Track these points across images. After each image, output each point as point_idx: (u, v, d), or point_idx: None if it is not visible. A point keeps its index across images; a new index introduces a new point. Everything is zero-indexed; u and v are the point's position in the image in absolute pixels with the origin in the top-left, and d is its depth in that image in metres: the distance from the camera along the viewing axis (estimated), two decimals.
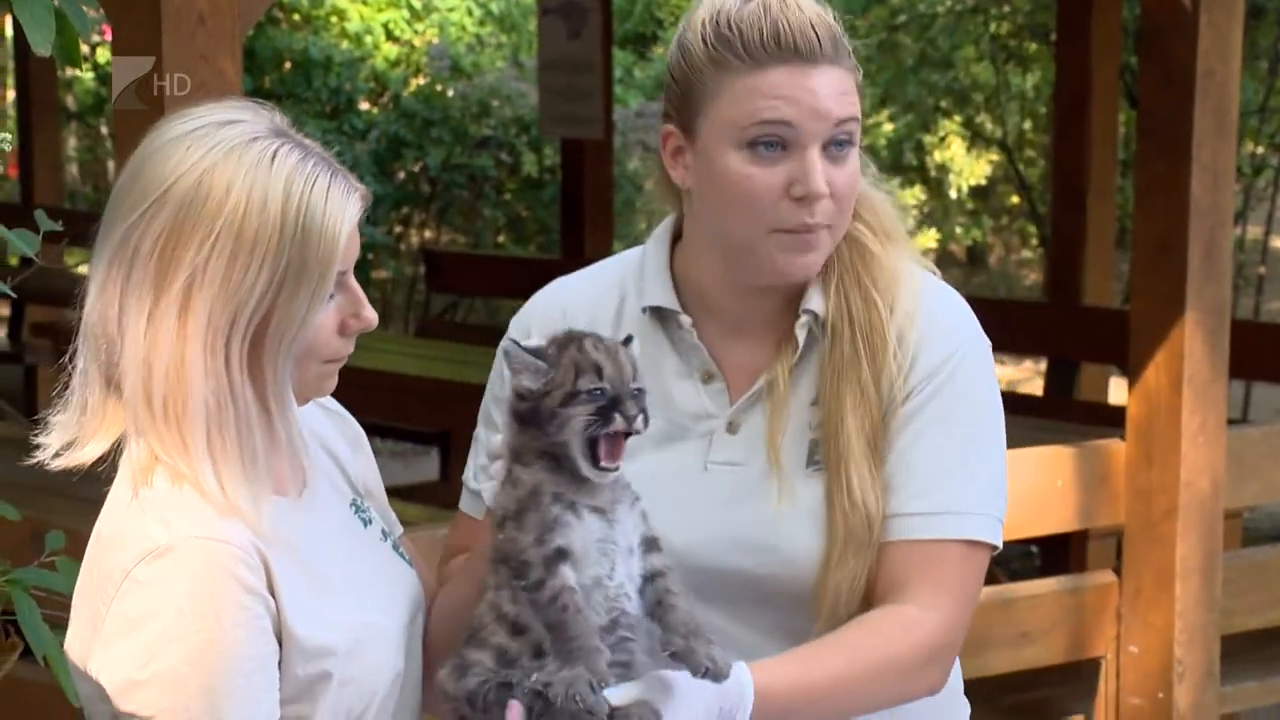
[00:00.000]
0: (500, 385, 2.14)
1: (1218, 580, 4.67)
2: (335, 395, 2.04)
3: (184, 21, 3.29)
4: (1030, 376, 9.58)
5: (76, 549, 2.05)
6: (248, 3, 3.42)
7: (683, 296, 2.18)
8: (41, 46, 1.90)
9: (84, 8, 2.00)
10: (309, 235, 1.82)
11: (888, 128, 12.77)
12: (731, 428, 2.16)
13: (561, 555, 1.91)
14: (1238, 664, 4.90)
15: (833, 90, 2.07)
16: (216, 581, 1.79)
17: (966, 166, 13.27)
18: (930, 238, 13.05)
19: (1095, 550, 5.11)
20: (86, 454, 1.89)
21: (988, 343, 2.20)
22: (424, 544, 2.43)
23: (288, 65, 12.35)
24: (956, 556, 2.11)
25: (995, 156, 13.25)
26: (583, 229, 8.27)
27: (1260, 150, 10.35)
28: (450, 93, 12.62)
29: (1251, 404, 9.45)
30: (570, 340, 1.97)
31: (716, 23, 2.08)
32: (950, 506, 2.10)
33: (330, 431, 2.10)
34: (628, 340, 2.00)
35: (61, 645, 1.83)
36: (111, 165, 12.88)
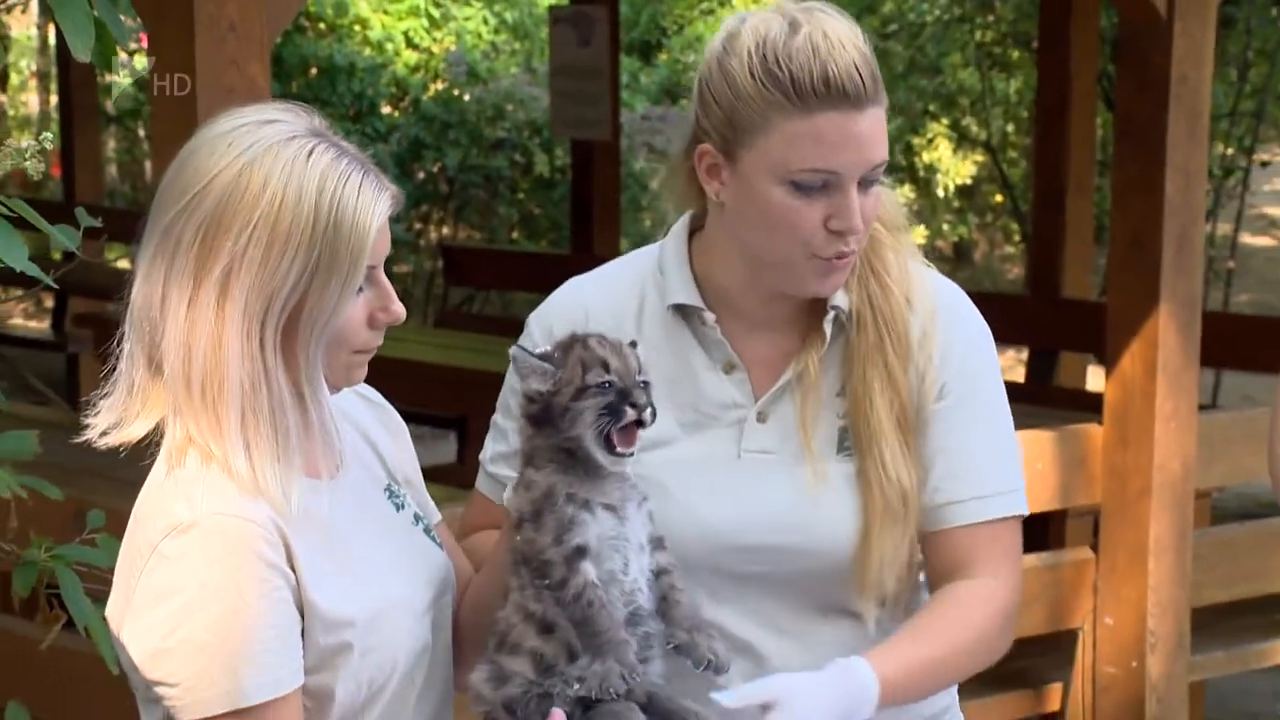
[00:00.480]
0: (512, 376, 2.12)
1: (1188, 556, 4.67)
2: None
3: (216, 29, 3.29)
4: (1012, 365, 9.58)
5: (116, 527, 2.05)
6: (276, 12, 3.42)
7: (704, 293, 2.16)
8: (81, 52, 1.90)
9: (121, 17, 2.00)
10: (340, 228, 1.82)
11: None
12: (761, 417, 2.14)
13: (581, 552, 1.89)
14: (1207, 635, 4.90)
15: (875, 133, 2.04)
16: (237, 556, 1.79)
17: (953, 167, 13.26)
18: (919, 234, 12.97)
19: (1073, 528, 5.11)
20: (131, 434, 1.88)
21: (989, 328, 2.22)
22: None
23: (314, 71, 12.34)
24: (1008, 530, 2.16)
25: (980, 157, 13.24)
26: (591, 226, 8.26)
27: (1230, 152, 10.32)
28: (467, 97, 12.62)
29: (1221, 390, 9.45)
30: (575, 341, 1.96)
31: (764, 56, 2.02)
32: (998, 488, 2.15)
33: (371, 421, 2.10)
34: (633, 344, 1.99)
35: (102, 618, 1.83)
36: (148, 165, 12.88)
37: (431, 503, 2.15)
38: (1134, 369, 4.56)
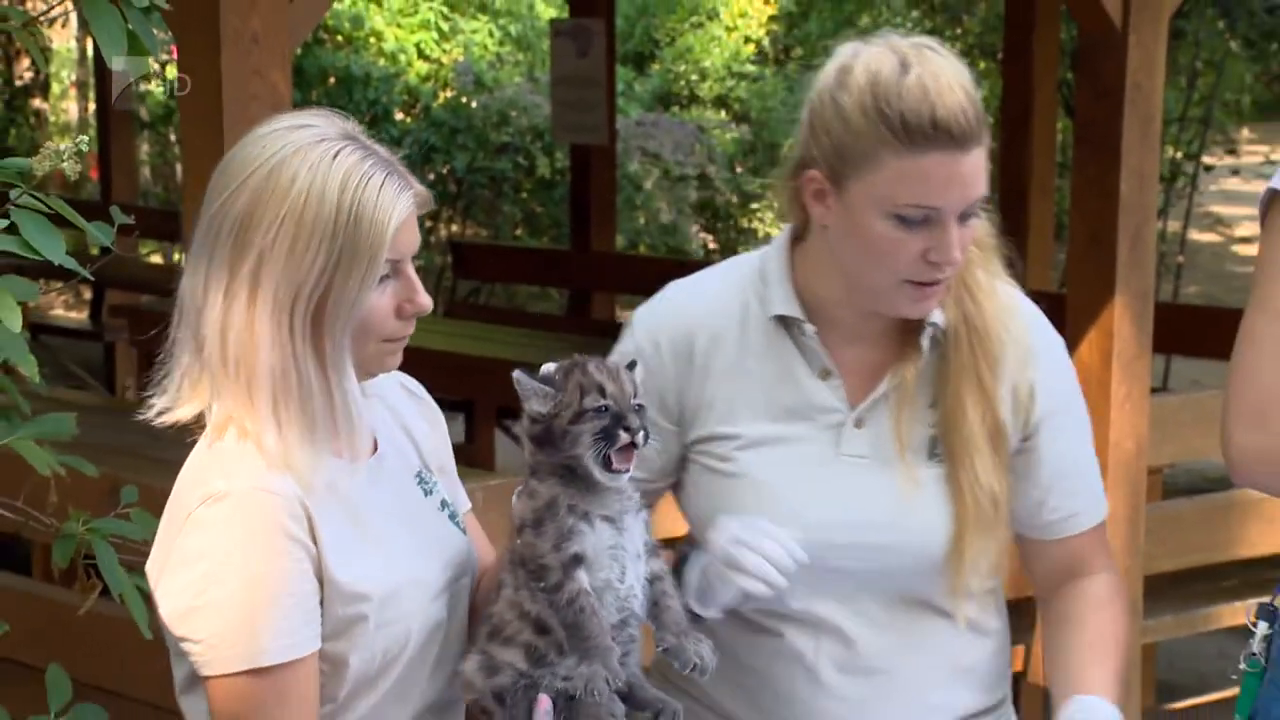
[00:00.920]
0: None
1: (1141, 529, 4.67)
2: None
3: (240, 41, 3.28)
4: None
5: (148, 502, 2.05)
6: (296, 25, 3.41)
7: (803, 303, 2.11)
8: (114, 60, 1.90)
9: (153, 30, 2.00)
10: (360, 223, 1.82)
11: None
12: (858, 423, 2.11)
13: (577, 561, 1.88)
14: (1158, 601, 4.90)
15: (977, 171, 2.00)
16: (262, 527, 1.80)
17: None
18: None
19: None
20: (182, 415, 1.89)
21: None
22: None
23: (332, 80, 12.33)
24: (1104, 526, 2.23)
25: None
26: (589, 223, 8.25)
27: (1180, 155, 10.33)
28: (474, 104, 12.60)
29: (1171, 375, 9.46)
30: (574, 365, 1.93)
31: (876, 94, 1.98)
32: (1098, 494, 2.22)
33: (411, 412, 2.09)
34: (631, 365, 1.96)
35: (135, 586, 1.83)
36: (179, 168, 12.86)
37: (463, 493, 2.14)
38: (1091, 355, 4.56)
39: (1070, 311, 4.62)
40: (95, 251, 7.01)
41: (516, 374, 1.93)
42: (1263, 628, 2.27)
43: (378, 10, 13.54)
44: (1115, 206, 4.48)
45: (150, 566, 1.87)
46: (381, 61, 12.97)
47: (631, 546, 1.92)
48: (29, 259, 1.75)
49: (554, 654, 1.88)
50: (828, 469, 2.10)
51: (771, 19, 13.79)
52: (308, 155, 1.83)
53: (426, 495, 2.03)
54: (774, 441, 2.10)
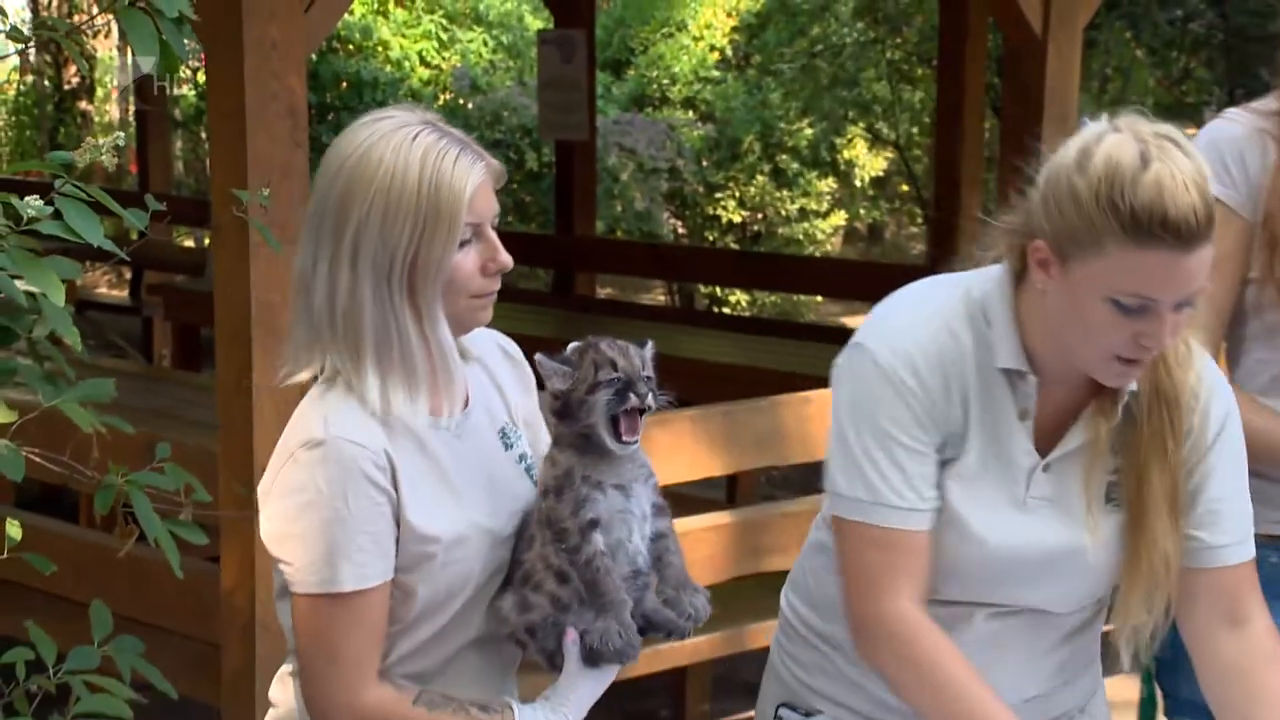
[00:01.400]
0: (892, 406, 1.97)
1: None
2: None
3: (260, 48, 3.27)
4: None
5: (180, 457, 2.04)
6: (310, 35, 3.40)
7: (1026, 353, 1.98)
8: (147, 65, 1.88)
9: (183, 39, 1.98)
10: (440, 191, 1.84)
11: (808, 132, 12.72)
12: (1047, 469, 2.00)
13: (593, 525, 1.90)
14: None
15: (1200, 269, 1.84)
16: (350, 474, 1.83)
17: (868, 162, 13.24)
18: (840, 217, 13.02)
19: None
20: (301, 376, 1.92)
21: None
22: None
23: (344, 85, 12.28)
24: (1253, 565, 2.08)
25: (890, 154, 13.23)
26: (572, 211, 8.25)
27: None
28: (470, 106, 12.57)
29: None
30: (589, 345, 1.94)
31: (1111, 185, 1.82)
32: (1251, 531, 2.07)
33: (506, 373, 2.08)
34: (642, 343, 1.96)
35: (167, 531, 1.83)
36: (208, 162, 12.80)
37: (545, 433, 2.09)
38: None
39: None
40: (134, 236, 6.99)
41: (539, 357, 1.95)
42: None
43: (385, 22, 13.50)
44: None
45: (261, 487, 1.91)
46: (388, 68, 12.92)
47: (639, 510, 1.93)
48: (73, 242, 1.74)
49: (576, 603, 1.92)
50: (1015, 510, 2.01)
51: (734, 29, 13.77)
52: (391, 139, 1.86)
53: (507, 449, 2.03)
54: (974, 479, 2.00)
